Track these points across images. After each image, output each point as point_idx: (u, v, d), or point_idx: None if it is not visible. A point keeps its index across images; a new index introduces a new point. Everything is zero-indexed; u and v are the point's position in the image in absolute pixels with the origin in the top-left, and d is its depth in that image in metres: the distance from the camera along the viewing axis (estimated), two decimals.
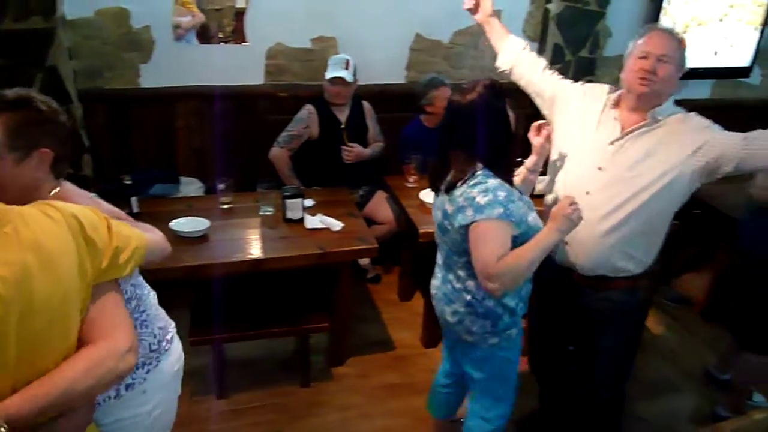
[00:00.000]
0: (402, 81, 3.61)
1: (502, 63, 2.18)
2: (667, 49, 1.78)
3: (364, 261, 3.58)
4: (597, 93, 1.99)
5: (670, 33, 1.84)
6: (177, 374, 1.61)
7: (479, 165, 1.70)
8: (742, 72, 4.25)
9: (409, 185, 3.13)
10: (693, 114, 1.87)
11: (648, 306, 2.75)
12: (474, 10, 2.19)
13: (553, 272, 1.97)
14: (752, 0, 3.98)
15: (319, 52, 3.42)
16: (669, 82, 1.80)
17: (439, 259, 1.95)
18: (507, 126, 1.73)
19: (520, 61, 2.13)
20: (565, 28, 3.59)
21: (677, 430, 2.69)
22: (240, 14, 3.31)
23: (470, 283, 1.80)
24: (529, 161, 1.98)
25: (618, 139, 1.86)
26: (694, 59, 3.92)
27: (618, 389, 2.23)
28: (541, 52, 3.71)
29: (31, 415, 0.98)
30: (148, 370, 1.48)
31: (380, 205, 3.40)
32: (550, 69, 2.14)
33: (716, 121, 1.84)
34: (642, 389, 2.86)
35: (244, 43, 3.33)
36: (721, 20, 3.97)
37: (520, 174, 1.97)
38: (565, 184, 1.97)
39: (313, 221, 2.69)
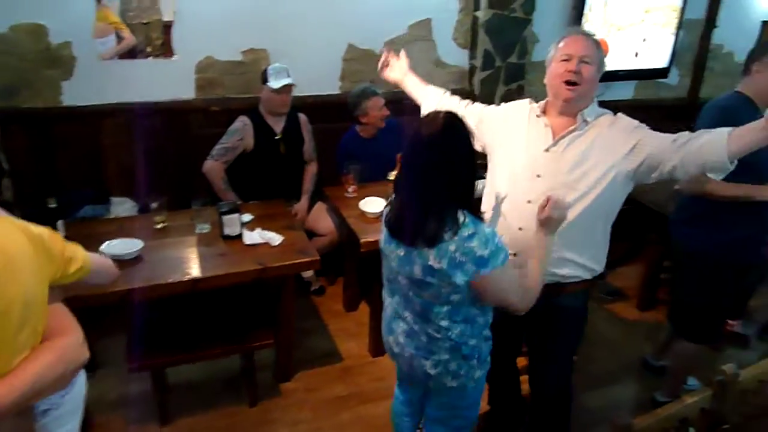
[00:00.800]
0: (336, 91, 3.60)
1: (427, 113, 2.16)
2: (587, 50, 1.82)
3: (308, 273, 3.54)
4: (518, 107, 2.03)
5: (588, 36, 1.88)
6: (83, 399, 1.57)
7: (458, 210, 1.54)
8: (661, 73, 4.48)
9: (348, 195, 3.12)
10: (621, 115, 1.91)
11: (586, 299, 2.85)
12: (390, 69, 2.26)
13: None
14: (667, 5, 4.21)
15: (251, 65, 3.37)
16: (593, 83, 1.84)
17: (405, 312, 1.74)
18: (474, 161, 1.60)
19: (442, 107, 2.03)
20: (494, 35, 3.68)
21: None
22: (168, 27, 3.22)
23: (453, 332, 1.67)
24: None
25: (552, 145, 1.87)
26: (616, 62, 4.13)
27: (567, 390, 2.27)
28: (471, 58, 3.80)
29: (11, 404, 1.10)
30: (64, 394, 1.42)
31: (321, 217, 3.37)
32: (471, 103, 2.21)
33: (639, 119, 1.90)
34: (585, 381, 2.95)
35: (171, 58, 3.24)
36: (639, 24, 4.17)
37: None
38: (508, 197, 1.97)
39: (252, 236, 2.64)
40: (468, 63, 3.84)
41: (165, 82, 3.26)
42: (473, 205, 1.61)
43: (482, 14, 3.63)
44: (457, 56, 3.82)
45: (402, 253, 1.62)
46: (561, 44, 1.87)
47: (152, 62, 3.21)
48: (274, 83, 3.10)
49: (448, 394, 1.80)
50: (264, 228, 2.71)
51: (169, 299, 2.43)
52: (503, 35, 3.70)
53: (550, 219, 1.69)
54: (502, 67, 3.77)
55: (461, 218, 1.52)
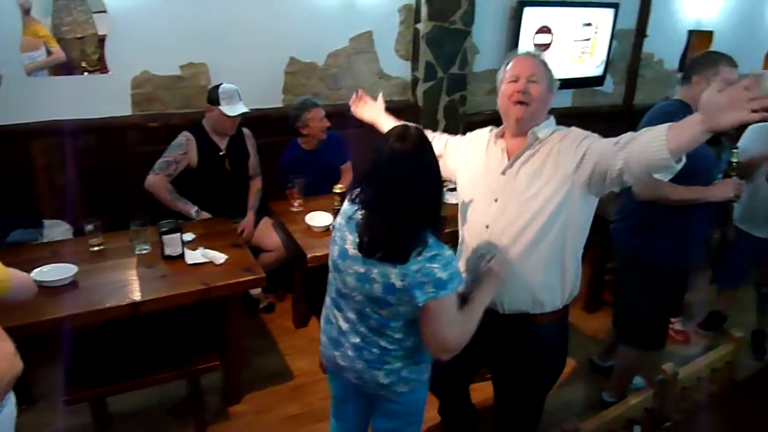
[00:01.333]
0: (279, 105, 3.56)
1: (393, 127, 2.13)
2: (534, 69, 1.80)
3: (256, 291, 3.47)
4: (480, 134, 2.03)
5: (534, 56, 1.87)
6: (13, 425, 1.50)
7: (426, 229, 1.54)
8: (597, 81, 4.64)
9: (294, 209, 3.08)
10: (573, 128, 1.86)
11: None
12: (364, 109, 2.21)
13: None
14: (603, 18, 4.37)
15: (190, 79, 3.30)
16: (542, 102, 1.81)
17: (359, 326, 1.71)
18: (440, 180, 1.60)
19: None
20: (435, 47, 3.73)
21: None
22: (104, 42, 3.11)
23: (409, 342, 1.68)
24: None
25: (508, 167, 1.84)
26: (555, 71, 4.25)
27: (540, 406, 2.19)
28: (414, 70, 3.83)
29: None
30: None
31: (267, 233, 3.31)
32: (438, 134, 2.20)
33: (577, 125, 1.88)
34: None
35: (105, 73, 3.12)
36: (576, 35, 4.32)
37: None
38: (468, 222, 1.97)
39: (195, 256, 2.56)
40: (411, 74, 3.88)
41: (99, 98, 3.14)
42: (437, 227, 1.59)
43: (423, 26, 3.67)
44: (399, 68, 3.85)
45: (362, 270, 1.59)
46: (509, 66, 1.86)
47: (86, 78, 3.09)
48: (228, 110, 3.03)
49: (399, 400, 1.78)
50: (207, 247, 2.63)
51: (108, 325, 2.33)
52: (444, 47, 3.75)
53: (492, 272, 1.72)
54: (444, 78, 3.82)
55: (427, 239, 1.52)
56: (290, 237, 2.91)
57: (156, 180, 3.04)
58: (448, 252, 1.56)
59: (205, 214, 3.08)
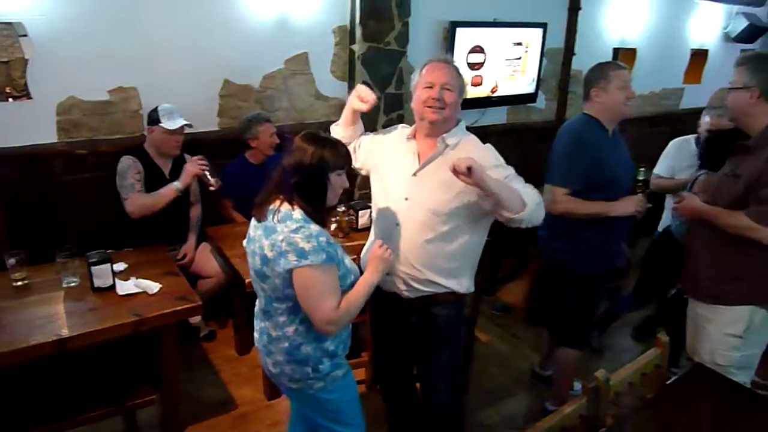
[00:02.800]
0: (214, 128, 3.50)
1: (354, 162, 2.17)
2: (448, 78, 1.93)
3: (195, 319, 3.37)
4: (392, 132, 2.16)
5: (448, 63, 1.99)
6: None
7: (297, 206, 1.71)
8: (530, 98, 4.79)
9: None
10: (486, 147, 2.01)
11: (474, 319, 2.93)
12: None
13: (383, 300, 2.04)
14: (533, 38, 4.53)
15: (120, 104, 3.20)
16: (455, 108, 1.96)
17: (258, 307, 1.92)
18: (324, 176, 1.74)
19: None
20: (371, 68, 3.76)
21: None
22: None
23: (289, 330, 1.79)
24: None
25: (420, 170, 1.97)
26: (488, 88, 4.37)
27: (456, 401, 2.32)
28: (350, 90, 3.84)
29: None
30: None
31: (205, 258, 3.23)
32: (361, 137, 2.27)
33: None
34: (481, 398, 3.02)
35: (27, 99, 2.99)
36: (508, 54, 4.45)
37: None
38: (380, 218, 2.08)
39: (126, 286, 2.46)
40: (347, 95, 3.88)
41: (23, 125, 2.99)
42: (321, 216, 1.77)
43: (358, 47, 3.70)
44: (336, 88, 3.86)
45: (252, 248, 1.78)
46: (424, 71, 1.98)
47: (8, 105, 2.94)
48: (169, 124, 2.97)
49: (301, 399, 1.91)
50: (140, 276, 2.54)
51: (34, 364, 2.20)
52: (380, 67, 3.79)
53: (384, 260, 1.82)
54: (381, 98, 3.85)
55: (294, 214, 1.69)
56: (228, 262, 2.85)
57: (133, 199, 2.95)
58: (315, 228, 1.69)
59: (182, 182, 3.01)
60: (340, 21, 3.74)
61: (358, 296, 1.76)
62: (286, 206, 1.72)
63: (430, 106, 1.92)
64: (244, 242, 1.87)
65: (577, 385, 2.95)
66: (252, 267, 1.82)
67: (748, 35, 6.22)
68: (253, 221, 1.82)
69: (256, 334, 1.95)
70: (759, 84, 2.06)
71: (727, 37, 6.34)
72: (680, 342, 2.54)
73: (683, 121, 4.91)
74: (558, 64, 4.97)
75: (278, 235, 1.67)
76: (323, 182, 1.74)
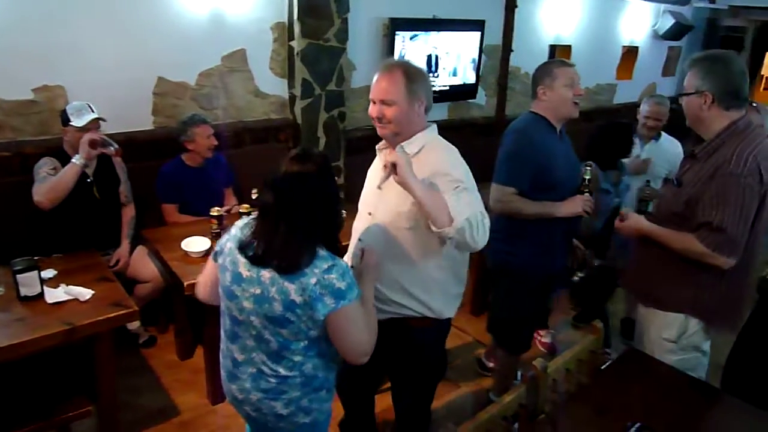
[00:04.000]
0: (149, 127, 3.38)
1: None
2: (389, 94, 1.79)
3: (134, 325, 3.26)
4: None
5: (392, 72, 1.81)
6: None
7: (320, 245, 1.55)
8: (470, 94, 4.86)
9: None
10: (437, 146, 1.88)
11: None
12: None
13: None
14: (471, 35, 4.60)
15: (45, 104, 3.04)
16: (401, 119, 1.80)
17: (255, 354, 1.64)
18: (338, 203, 1.63)
19: None
20: (311, 64, 3.73)
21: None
22: None
23: (307, 366, 1.63)
24: None
25: (383, 182, 1.79)
26: (434, 84, 4.41)
27: (428, 411, 2.28)
28: (290, 87, 3.81)
29: None
30: None
31: (141, 262, 3.12)
32: None
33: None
34: None
35: None
36: (448, 53, 4.50)
37: None
38: (354, 235, 2.00)
39: (56, 294, 2.35)
40: (287, 92, 3.85)
41: None
42: (335, 247, 1.60)
43: (297, 44, 3.66)
44: (275, 86, 3.81)
45: (258, 292, 1.55)
46: (373, 83, 1.85)
47: None
48: (78, 121, 2.83)
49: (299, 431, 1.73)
50: (71, 283, 2.43)
51: None
52: (320, 64, 3.76)
53: (372, 267, 1.74)
54: (321, 95, 3.83)
55: (320, 252, 1.53)
56: (166, 265, 2.76)
57: (37, 188, 2.74)
58: (343, 263, 1.56)
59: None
60: (277, 17, 3.69)
61: (372, 317, 1.68)
62: None
63: (376, 124, 1.86)
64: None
65: (520, 374, 3.01)
66: (255, 313, 1.57)
67: (674, 33, 6.53)
68: (242, 259, 1.59)
69: (238, 386, 1.69)
70: (711, 88, 1.95)
71: (656, 35, 6.64)
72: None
73: (616, 115, 5.11)
74: (497, 61, 5.07)
75: (309, 278, 1.49)
76: (338, 200, 1.61)
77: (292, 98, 3.82)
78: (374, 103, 1.83)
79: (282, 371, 1.62)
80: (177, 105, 3.45)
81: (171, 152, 3.27)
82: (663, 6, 6.51)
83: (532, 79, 2.50)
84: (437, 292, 1.93)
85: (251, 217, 1.68)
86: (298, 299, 1.50)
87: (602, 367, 2.07)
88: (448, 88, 4.61)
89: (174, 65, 3.38)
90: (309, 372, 1.64)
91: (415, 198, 1.62)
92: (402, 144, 1.84)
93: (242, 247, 1.59)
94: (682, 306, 2.10)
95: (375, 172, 1.98)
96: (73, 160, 2.76)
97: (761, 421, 1.82)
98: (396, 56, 4.14)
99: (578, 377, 2.00)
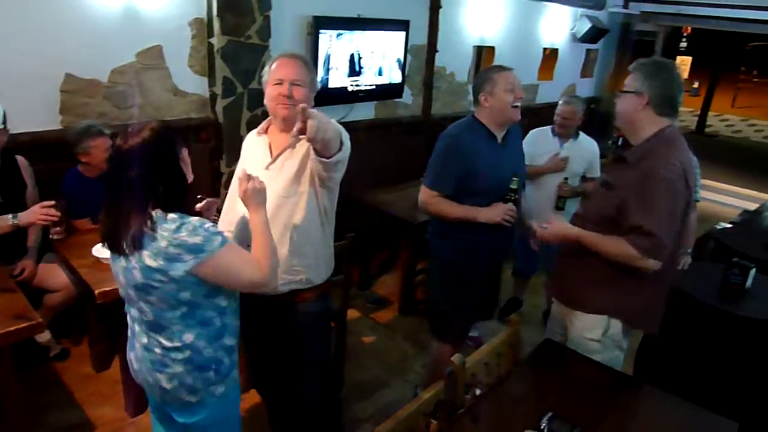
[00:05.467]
0: (57, 126, 3.18)
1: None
2: (298, 75, 1.93)
3: (44, 337, 3.07)
4: (251, 133, 2.13)
5: (298, 58, 1.98)
6: None
7: (158, 211, 1.56)
8: (396, 93, 4.87)
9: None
10: None
11: (344, 311, 2.94)
12: None
13: (251, 300, 1.95)
14: (397, 34, 4.62)
15: None
16: (306, 102, 1.87)
17: (138, 326, 1.71)
18: (179, 168, 1.63)
19: None
20: (232, 62, 3.63)
21: None
22: None
23: (188, 336, 1.65)
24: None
25: (272, 163, 1.90)
26: (360, 83, 4.41)
27: (330, 397, 2.31)
28: (211, 85, 3.70)
29: None
30: None
31: (51, 271, 2.94)
32: None
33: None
34: (357, 392, 3.04)
35: None
36: (373, 52, 4.50)
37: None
38: (231, 214, 2.06)
39: None
40: (208, 90, 3.73)
41: None
42: (185, 206, 1.64)
43: (217, 41, 3.55)
44: (195, 84, 3.68)
45: (124, 264, 1.60)
46: (273, 67, 1.96)
47: None
48: None
49: (188, 414, 1.72)
50: None
51: None
52: (241, 61, 3.67)
53: (256, 191, 1.75)
54: (244, 94, 3.73)
55: (169, 215, 1.56)
56: (75, 272, 2.61)
57: None
58: (194, 219, 1.58)
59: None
60: (196, 13, 3.56)
61: (265, 239, 1.71)
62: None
63: (280, 103, 1.92)
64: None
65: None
66: (126, 285, 1.63)
67: (591, 36, 6.82)
68: (108, 255, 1.66)
69: (134, 354, 1.76)
70: (649, 91, 2.02)
71: (574, 38, 6.91)
72: None
73: (539, 115, 5.25)
74: (422, 61, 5.11)
75: (160, 242, 1.53)
76: (177, 165, 1.62)
77: (213, 97, 3.71)
78: (281, 84, 1.92)
79: (164, 342, 1.65)
80: (88, 103, 3.26)
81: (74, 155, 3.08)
82: (580, 10, 6.79)
83: (473, 87, 2.56)
84: (322, 261, 2.09)
85: None
86: (153, 264, 1.54)
87: (520, 359, 2.12)
88: (374, 87, 4.60)
89: (84, 62, 3.20)
90: (192, 344, 1.65)
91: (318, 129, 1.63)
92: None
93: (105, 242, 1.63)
94: (605, 308, 2.15)
95: (258, 153, 2.04)
96: (11, 218, 2.59)
97: (671, 405, 1.92)
98: (321, 55, 4.11)
99: (497, 370, 2.04)
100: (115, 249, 1.59)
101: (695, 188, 2.84)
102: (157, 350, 1.67)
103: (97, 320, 2.95)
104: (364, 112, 4.64)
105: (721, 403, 2.02)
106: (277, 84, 1.92)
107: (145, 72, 3.45)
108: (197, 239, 1.54)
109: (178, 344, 1.65)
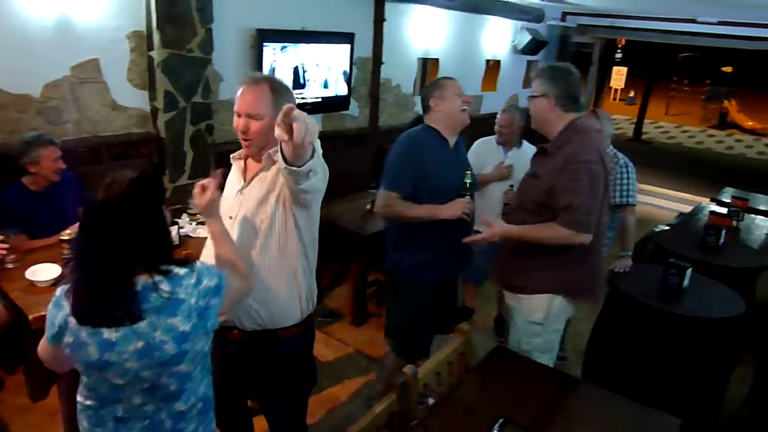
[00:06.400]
0: None
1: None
2: (255, 107, 1.78)
3: None
4: (235, 154, 2.00)
5: (260, 84, 1.81)
6: None
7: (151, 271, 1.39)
8: (342, 106, 4.89)
9: (9, 267, 2.63)
10: None
11: None
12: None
13: (221, 340, 1.85)
14: (341, 47, 4.63)
15: None
16: (264, 135, 1.79)
17: (148, 407, 1.46)
18: (164, 221, 1.47)
19: None
20: (173, 75, 3.55)
21: None
22: None
23: (201, 388, 1.54)
24: None
25: (245, 186, 1.87)
26: (305, 95, 4.39)
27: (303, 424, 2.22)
28: (152, 99, 3.60)
29: None
30: None
31: None
32: None
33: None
34: (314, 408, 2.97)
35: None
36: (318, 65, 4.50)
37: None
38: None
39: None
40: (149, 105, 3.63)
41: None
42: (170, 257, 1.46)
43: (157, 54, 3.47)
44: (135, 98, 3.57)
45: (141, 345, 1.36)
46: (237, 95, 1.83)
47: None
48: None
49: None
50: None
51: None
52: (183, 75, 3.59)
53: (200, 208, 1.73)
54: (186, 108, 3.65)
55: (176, 271, 1.41)
56: (7, 297, 2.47)
57: None
58: (198, 264, 1.48)
59: None
60: (134, 26, 3.47)
61: (230, 245, 1.72)
62: (146, 278, 1.38)
63: (240, 138, 1.84)
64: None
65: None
66: (141, 368, 1.38)
67: (531, 48, 7.04)
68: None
69: None
70: (553, 92, 2.27)
71: (515, 50, 7.11)
72: None
73: (483, 125, 5.36)
74: (368, 73, 5.15)
75: (189, 300, 1.40)
76: (163, 219, 1.46)
77: (155, 111, 3.61)
78: (239, 116, 1.83)
79: (182, 407, 1.49)
80: (19, 119, 3.12)
81: (12, 172, 2.93)
82: (520, 23, 7.00)
83: (422, 96, 2.61)
84: (301, 293, 1.93)
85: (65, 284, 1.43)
86: (188, 327, 1.40)
87: (470, 367, 2.14)
88: (320, 100, 4.60)
89: (14, 75, 3.06)
90: (204, 394, 1.55)
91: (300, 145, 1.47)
92: (269, 152, 1.82)
93: (81, 318, 1.36)
94: (545, 287, 2.33)
95: (233, 180, 1.97)
96: None
97: (617, 405, 1.97)
98: (266, 67, 4.07)
99: (449, 379, 2.05)
100: (98, 322, 1.35)
101: (628, 187, 3.14)
102: (169, 421, 1.48)
103: (33, 347, 2.79)
104: None
105: (665, 400, 2.09)
106: (238, 116, 1.82)
107: (81, 86, 3.33)
108: (213, 282, 1.46)
109: (193, 401, 1.51)
